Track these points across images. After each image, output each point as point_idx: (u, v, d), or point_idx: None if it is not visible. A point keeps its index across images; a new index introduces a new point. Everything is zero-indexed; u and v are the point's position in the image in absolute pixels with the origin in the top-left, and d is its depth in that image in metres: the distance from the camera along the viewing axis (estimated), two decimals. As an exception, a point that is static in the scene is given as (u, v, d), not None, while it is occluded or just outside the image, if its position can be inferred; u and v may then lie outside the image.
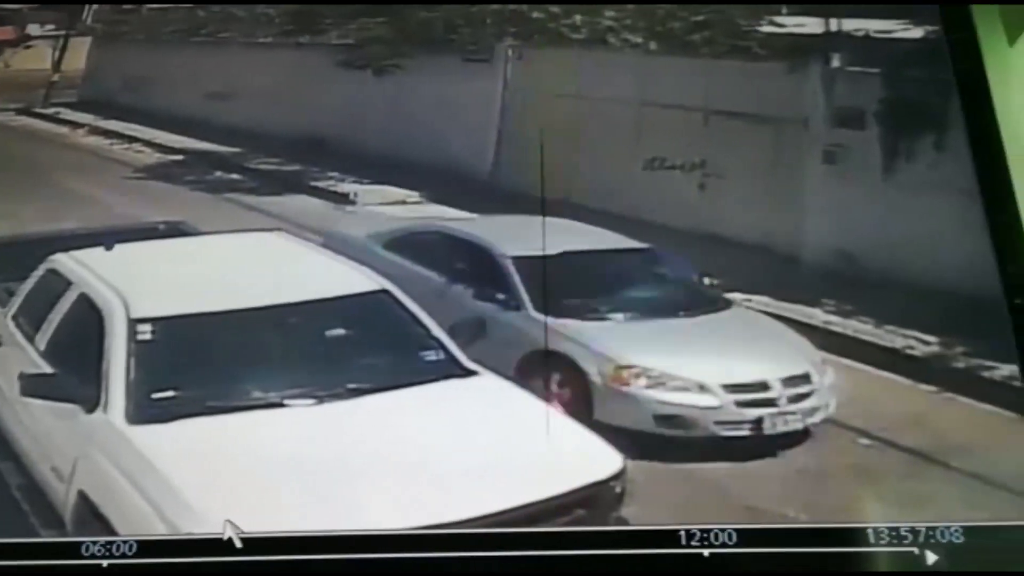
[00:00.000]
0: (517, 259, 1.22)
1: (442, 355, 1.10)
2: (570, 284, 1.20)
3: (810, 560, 0.92)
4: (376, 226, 1.30)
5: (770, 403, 1.11)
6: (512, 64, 1.32)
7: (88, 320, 1.11)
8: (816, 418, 1.10)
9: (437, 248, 1.26)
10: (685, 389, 1.12)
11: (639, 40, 1.29)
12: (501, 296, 1.20)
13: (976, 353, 1.04)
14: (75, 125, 1.41)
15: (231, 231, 1.24)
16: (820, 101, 1.22)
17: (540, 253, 1.18)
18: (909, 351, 1.07)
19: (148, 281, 1.15)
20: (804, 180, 1.18)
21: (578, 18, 1.30)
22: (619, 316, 1.20)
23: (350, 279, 1.16)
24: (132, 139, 1.40)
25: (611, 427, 1.07)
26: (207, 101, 1.36)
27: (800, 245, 1.14)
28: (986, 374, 1.03)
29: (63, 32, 1.45)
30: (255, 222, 1.23)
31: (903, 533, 0.92)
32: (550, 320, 1.14)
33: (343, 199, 1.27)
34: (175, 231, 1.23)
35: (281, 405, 1.03)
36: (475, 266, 1.23)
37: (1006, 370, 1.01)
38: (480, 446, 1.01)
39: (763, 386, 1.12)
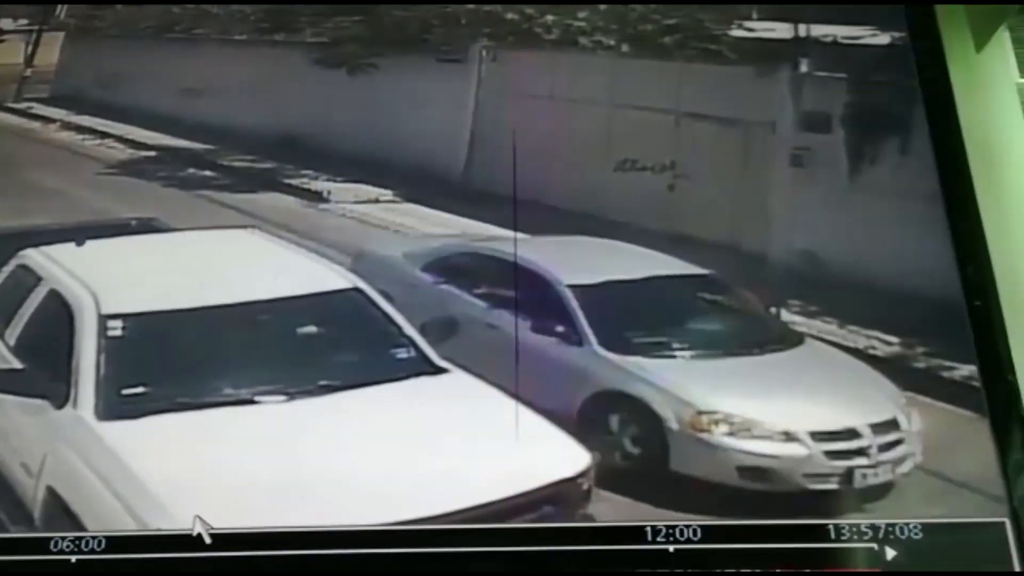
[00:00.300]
0: (575, 287, 1.14)
1: (413, 353, 1.11)
2: (633, 315, 1.14)
3: (773, 555, 0.94)
4: (409, 245, 1.23)
5: (861, 453, 1.03)
6: (486, 65, 1.32)
7: (58, 316, 1.10)
8: (905, 467, 1.02)
9: (483, 273, 1.16)
10: (770, 438, 1.03)
11: (612, 42, 1.30)
12: (560, 328, 1.11)
13: (936, 353, 1.06)
14: (47, 120, 1.40)
15: (204, 228, 1.24)
16: (788, 105, 1.24)
17: (600, 280, 1.13)
18: (872, 351, 1.09)
19: (119, 277, 1.15)
20: (771, 182, 1.20)
21: (550, 18, 1.31)
22: (687, 353, 1.11)
23: (322, 277, 1.16)
24: (104, 135, 1.39)
25: (688, 478, 1.02)
26: (180, 98, 1.35)
27: (767, 246, 1.16)
28: (946, 374, 1.05)
29: (36, 27, 1.44)
30: (228, 219, 1.23)
31: (863, 529, 0.94)
32: (615, 357, 1.08)
33: (316, 197, 1.27)
34: (147, 227, 1.23)
35: (252, 402, 1.04)
36: (528, 294, 1.12)
37: (965, 370, 1.04)
38: (450, 443, 1.01)
39: (853, 434, 1.04)
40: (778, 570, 0.92)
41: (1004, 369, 1.02)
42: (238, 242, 1.20)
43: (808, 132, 1.22)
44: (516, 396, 1.03)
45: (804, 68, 1.26)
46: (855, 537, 0.94)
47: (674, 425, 1.04)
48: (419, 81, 1.31)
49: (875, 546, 0.93)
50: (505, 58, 1.32)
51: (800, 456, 1.02)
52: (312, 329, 1.12)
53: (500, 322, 1.10)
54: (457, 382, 1.08)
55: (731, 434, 1.03)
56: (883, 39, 1.25)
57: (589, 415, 1.06)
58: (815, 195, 1.19)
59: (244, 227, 1.22)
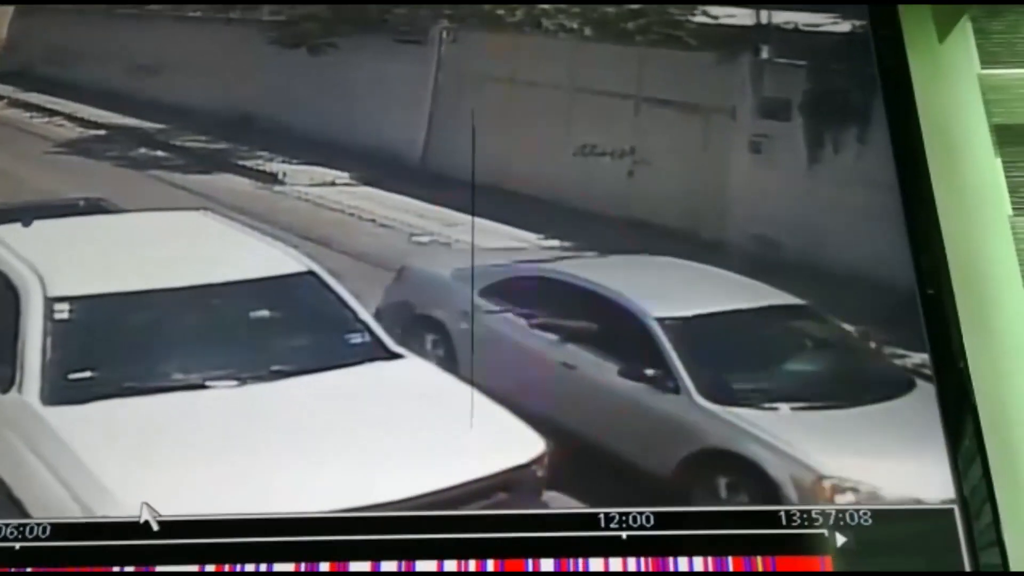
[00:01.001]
0: (665, 321, 1.01)
1: (368, 338, 1.10)
2: (731, 356, 1.01)
3: (725, 542, 0.94)
4: (454, 261, 1.09)
5: None
6: (446, 46, 1.31)
7: (3, 298, 1.08)
8: None
9: (552, 301, 1.03)
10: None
11: (574, 25, 1.29)
12: (651, 372, 0.99)
13: (890, 341, 1.07)
14: (-6, 97, 1.36)
15: (155, 209, 1.22)
16: (748, 91, 1.23)
17: (692, 312, 1.00)
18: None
19: (66, 259, 1.12)
20: (730, 169, 1.20)
21: (513, 1, 1.30)
22: (794, 402, 0.98)
23: (276, 260, 1.15)
24: (53, 112, 1.35)
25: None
26: (133, 75, 1.32)
27: (725, 232, 1.16)
28: (898, 362, 1.06)
29: (-17, 0, 1.40)
30: (180, 200, 1.21)
31: (814, 515, 0.95)
32: (718, 408, 0.97)
33: (271, 179, 1.24)
34: (96, 208, 1.20)
35: (202, 387, 1.02)
36: (610, 329, 1.00)
37: (917, 358, 1.05)
38: (403, 429, 1.01)
39: None
40: (731, 566, 0.93)
41: (955, 357, 1.03)
42: (190, 224, 1.18)
43: (767, 119, 1.21)
44: (471, 382, 1.02)
45: (765, 55, 1.26)
46: (806, 523, 0.95)
47: (791, 493, 0.93)
48: (377, 62, 1.29)
49: (825, 532, 0.94)
50: (466, 40, 1.31)
51: None
52: (265, 313, 1.10)
53: (577, 361, 1.00)
54: (412, 368, 1.08)
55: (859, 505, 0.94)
56: (844, 27, 1.25)
57: (689, 476, 0.95)
58: (773, 182, 1.19)
59: (196, 209, 1.20)
